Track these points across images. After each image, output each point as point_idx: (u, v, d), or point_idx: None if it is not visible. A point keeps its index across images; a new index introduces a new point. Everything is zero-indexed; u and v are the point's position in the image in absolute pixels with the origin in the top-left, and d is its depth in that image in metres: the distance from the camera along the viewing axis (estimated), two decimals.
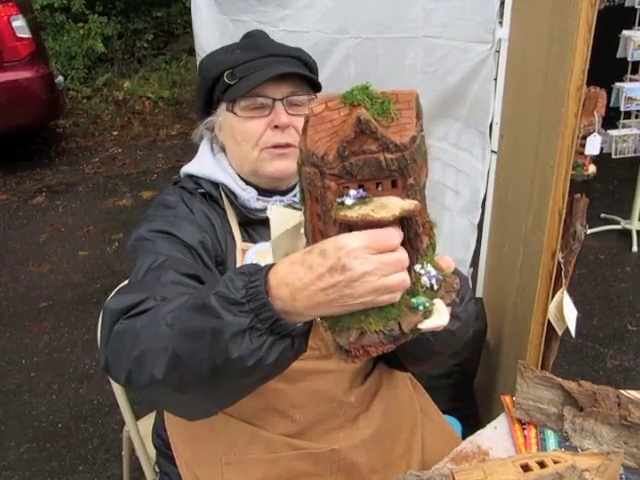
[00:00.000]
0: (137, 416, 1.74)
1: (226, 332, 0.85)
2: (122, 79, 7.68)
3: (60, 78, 5.87)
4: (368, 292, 0.78)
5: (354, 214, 0.75)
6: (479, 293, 2.47)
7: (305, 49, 1.41)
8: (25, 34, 5.15)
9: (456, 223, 2.48)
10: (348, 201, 0.77)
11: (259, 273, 0.86)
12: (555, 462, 1.09)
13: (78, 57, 7.60)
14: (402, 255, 0.78)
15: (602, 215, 4.28)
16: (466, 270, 2.49)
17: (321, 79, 1.38)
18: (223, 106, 1.35)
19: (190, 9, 4.02)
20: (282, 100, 1.30)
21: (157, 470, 1.54)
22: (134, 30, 8.17)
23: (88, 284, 3.84)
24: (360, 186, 0.77)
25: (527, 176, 1.80)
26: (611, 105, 3.68)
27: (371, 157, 0.76)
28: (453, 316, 1.01)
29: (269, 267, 0.86)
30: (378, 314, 0.80)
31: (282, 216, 0.99)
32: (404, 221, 0.79)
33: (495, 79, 2.18)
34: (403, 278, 0.78)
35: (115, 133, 6.52)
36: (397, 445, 1.38)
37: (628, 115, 3.76)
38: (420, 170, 0.80)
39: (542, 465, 1.10)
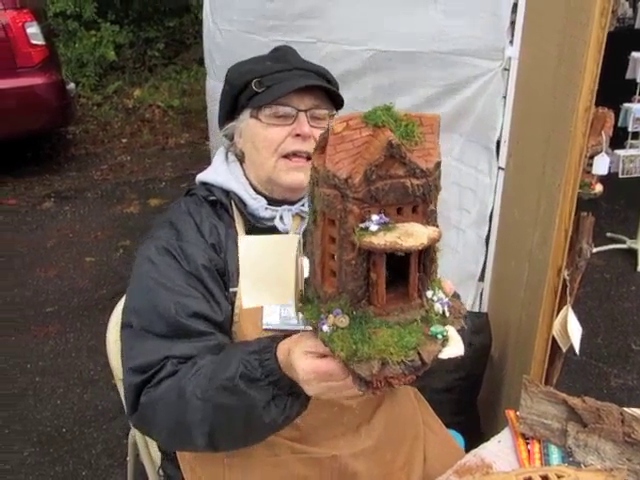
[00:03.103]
0: None
1: (258, 406, 1.04)
2: (132, 87, 7.74)
3: (72, 85, 5.93)
4: (334, 397, 0.96)
5: (381, 241, 0.73)
6: (484, 308, 2.48)
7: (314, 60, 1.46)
8: (39, 41, 5.21)
9: (466, 237, 2.49)
10: (372, 227, 0.75)
11: (267, 351, 1.04)
12: (559, 477, 1.11)
13: (90, 64, 7.66)
14: (349, 381, 0.85)
15: (608, 234, 4.29)
16: (475, 284, 2.50)
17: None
18: (247, 113, 1.38)
19: (201, 20, 4.09)
20: (306, 111, 1.33)
21: (161, 474, 1.56)
22: (146, 39, 8.25)
23: (94, 290, 3.86)
24: (382, 212, 0.76)
25: (534, 193, 1.82)
26: (619, 125, 3.71)
27: (398, 182, 0.75)
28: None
29: (275, 346, 1.04)
30: (398, 343, 0.78)
31: (252, 244, 0.94)
32: (422, 250, 0.78)
33: (504, 97, 2.20)
34: (354, 394, 0.90)
35: (124, 140, 6.57)
36: (398, 457, 1.39)
37: (636, 135, 3.78)
38: (437, 196, 0.80)
39: (545, 479, 1.11)
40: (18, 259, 4.25)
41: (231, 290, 1.27)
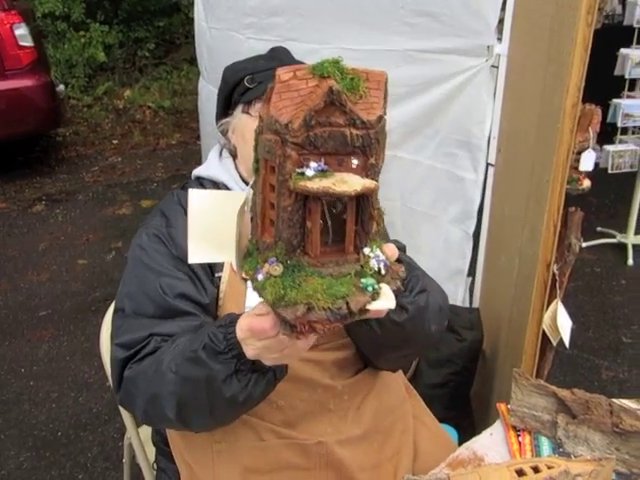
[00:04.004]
0: (138, 423, 1.76)
1: (217, 378, 1.05)
2: (123, 88, 7.72)
3: (61, 87, 5.91)
4: (275, 360, 0.97)
5: (315, 185, 0.74)
6: (476, 303, 2.50)
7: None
8: (27, 42, 5.19)
9: (448, 233, 2.48)
10: (309, 172, 0.75)
11: (232, 325, 1.03)
12: (549, 467, 1.13)
13: (79, 65, 7.65)
14: (283, 336, 0.86)
15: (598, 229, 4.33)
16: (463, 279, 2.51)
17: None
18: (239, 108, 1.42)
19: (192, 19, 4.10)
20: None
21: (155, 468, 1.59)
22: (135, 39, 8.23)
23: (87, 292, 3.86)
24: (321, 160, 0.76)
25: (523, 189, 1.84)
26: (608, 121, 3.74)
27: (337, 130, 0.75)
28: (400, 306, 1.11)
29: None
30: (327, 291, 0.78)
31: (203, 198, 0.93)
32: (360, 201, 0.79)
33: (494, 93, 2.21)
34: (289, 353, 0.94)
35: (115, 142, 6.56)
36: (386, 447, 1.40)
37: (625, 131, 3.81)
38: (380, 152, 0.79)
39: (536, 470, 1.13)
40: (10, 263, 4.24)
41: (216, 275, 1.31)
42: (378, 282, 0.80)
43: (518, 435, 1.39)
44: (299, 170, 0.75)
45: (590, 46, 1.41)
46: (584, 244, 4.15)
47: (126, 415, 1.71)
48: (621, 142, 3.81)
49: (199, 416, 1.14)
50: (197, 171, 1.50)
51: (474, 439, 1.42)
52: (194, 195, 0.91)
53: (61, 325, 3.55)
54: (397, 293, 0.83)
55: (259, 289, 0.81)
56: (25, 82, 5.17)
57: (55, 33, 7.70)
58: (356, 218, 0.79)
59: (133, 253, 1.35)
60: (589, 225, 4.35)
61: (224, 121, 1.46)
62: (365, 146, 0.76)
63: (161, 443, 1.48)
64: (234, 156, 1.48)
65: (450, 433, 1.89)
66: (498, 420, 1.46)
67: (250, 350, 0.98)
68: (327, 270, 0.79)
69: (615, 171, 3.79)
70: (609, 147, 3.75)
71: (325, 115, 0.75)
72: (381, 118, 0.78)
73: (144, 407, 1.18)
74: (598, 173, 3.75)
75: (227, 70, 1.48)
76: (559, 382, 1.61)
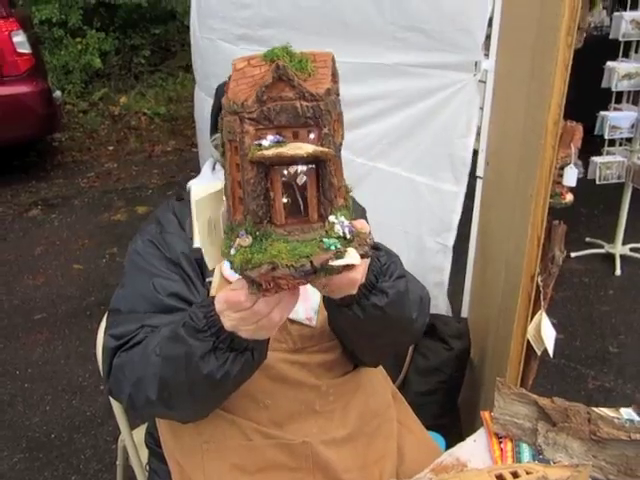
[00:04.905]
0: (132, 425, 1.80)
1: (195, 355, 1.08)
2: (118, 94, 7.77)
3: (58, 93, 5.96)
4: (251, 332, 1.02)
5: (269, 152, 0.80)
6: (464, 313, 2.55)
7: None
8: (25, 49, 5.23)
9: (421, 245, 2.49)
10: (265, 143, 0.81)
11: (212, 305, 1.06)
12: (527, 473, 1.17)
13: (75, 72, 7.69)
14: (257, 308, 0.95)
15: (587, 239, 4.39)
16: (444, 292, 2.53)
17: None
18: None
19: (187, 27, 4.15)
20: None
21: (147, 469, 1.62)
22: (131, 46, 8.28)
23: (82, 297, 3.90)
24: (278, 133, 0.82)
25: (509, 202, 1.89)
26: (596, 133, 3.81)
27: (288, 104, 0.81)
28: (380, 290, 1.16)
29: None
30: (290, 252, 0.83)
31: (203, 189, 1.01)
32: (319, 171, 0.84)
33: (481, 108, 2.27)
34: (264, 324, 0.98)
35: (111, 148, 6.60)
36: (370, 451, 1.43)
37: (612, 143, 3.87)
38: (336, 125, 0.85)
39: (515, 475, 1.17)
40: (5, 267, 4.27)
41: (207, 280, 1.36)
42: (344, 245, 0.85)
43: (500, 442, 1.43)
44: (257, 142, 0.81)
45: (570, 65, 1.47)
46: (573, 254, 4.22)
47: (120, 417, 1.75)
48: (608, 154, 3.86)
49: (179, 395, 1.16)
50: (191, 183, 1.55)
51: (458, 445, 1.46)
52: (196, 188, 1.03)
53: (56, 329, 3.58)
54: (365, 257, 0.88)
55: (231, 262, 0.86)
56: (23, 88, 5.21)
57: (52, 39, 7.74)
58: (317, 187, 0.85)
59: (129, 258, 1.40)
60: (578, 236, 4.42)
61: (216, 136, 1.49)
62: (317, 117, 0.82)
63: (153, 444, 1.51)
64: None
65: (437, 440, 1.93)
66: (482, 427, 1.50)
67: (227, 321, 1.02)
68: (293, 237, 0.85)
69: (603, 182, 3.85)
70: (596, 159, 3.81)
71: (276, 91, 0.81)
72: (329, 91, 0.83)
73: (129, 391, 1.20)
74: (587, 184, 3.83)
75: (220, 88, 1.51)
76: (546, 391, 1.64)
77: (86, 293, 3.93)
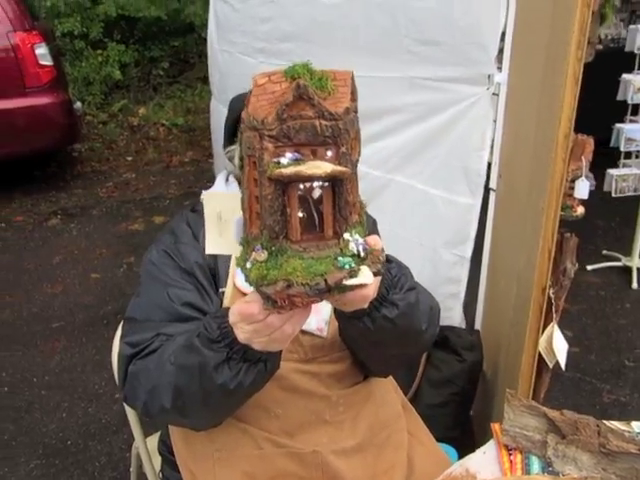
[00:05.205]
0: (145, 433, 1.82)
1: (209, 365, 1.10)
2: (137, 105, 7.86)
3: (78, 104, 6.05)
4: (264, 344, 1.03)
5: (288, 171, 0.81)
6: (477, 326, 2.55)
7: None
8: (47, 61, 5.32)
9: (437, 257, 2.50)
10: (284, 161, 0.82)
11: (227, 316, 1.07)
12: None
13: (96, 83, 7.80)
14: (270, 321, 0.96)
15: (603, 252, 4.36)
16: (459, 304, 2.54)
17: None
18: None
19: (205, 39, 4.21)
20: None
21: (161, 477, 1.64)
22: (151, 58, 8.39)
23: (99, 306, 3.94)
24: (296, 151, 0.83)
25: (521, 215, 1.90)
26: (611, 145, 3.80)
27: (307, 122, 0.83)
28: (391, 302, 1.17)
29: None
30: (305, 269, 0.84)
31: (217, 198, 1.05)
32: (335, 189, 0.85)
33: (494, 120, 2.28)
34: (277, 337, 0.99)
35: (129, 158, 6.67)
36: (380, 461, 1.44)
37: (628, 155, 3.86)
38: (353, 143, 0.86)
39: None
40: (25, 275, 4.33)
41: (220, 290, 1.38)
42: (358, 264, 0.87)
43: (510, 454, 1.43)
44: (275, 160, 0.83)
45: (580, 79, 1.48)
46: (589, 267, 4.20)
47: (134, 425, 1.77)
48: (624, 166, 3.85)
49: (193, 404, 1.17)
50: (205, 193, 1.58)
51: (468, 457, 1.47)
52: (208, 196, 1.06)
53: (73, 337, 3.62)
54: (378, 275, 0.90)
55: (247, 275, 0.88)
56: (44, 100, 5.29)
57: (73, 52, 7.87)
58: (333, 204, 0.86)
59: (144, 268, 1.43)
60: (595, 248, 4.39)
61: (230, 148, 1.52)
62: (335, 136, 0.84)
63: (166, 452, 1.54)
64: (240, 181, 1.55)
65: (450, 453, 1.93)
66: (492, 439, 1.51)
67: (240, 333, 1.04)
68: (308, 253, 0.86)
69: (619, 195, 3.83)
70: (612, 171, 3.80)
71: (296, 109, 0.83)
72: (348, 110, 0.85)
73: (144, 399, 1.22)
74: (604, 197, 3.81)
75: (233, 100, 1.54)
76: (560, 405, 1.61)
77: (103, 302, 3.98)
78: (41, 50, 5.26)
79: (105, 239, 4.88)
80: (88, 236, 4.95)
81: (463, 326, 2.59)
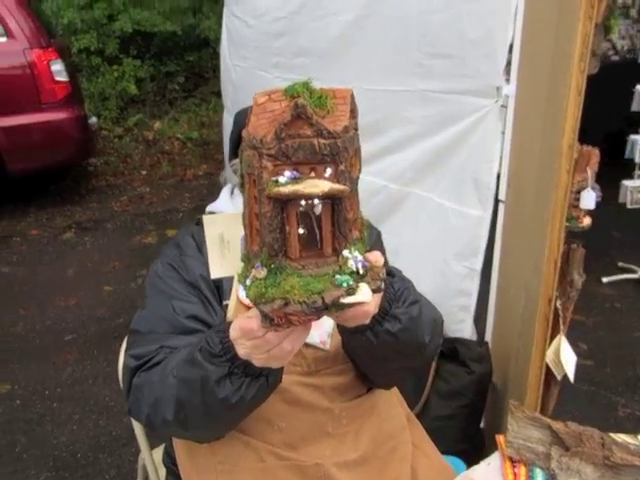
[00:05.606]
0: (152, 445, 1.83)
1: (211, 379, 1.10)
2: (153, 120, 7.94)
3: (94, 119, 6.12)
4: (263, 361, 1.03)
5: (286, 190, 0.82)
6: (487, 337, 2.53)
7: None
8: (63, 77, 5.39)
9: (449, 269, 2.50)
10: (282, 179, 0.83)
11: (228, 330, 1.08)
12: None
13: (111, 98, 7.89)
14: (269, 337, 0.96)
15: (619, 264, 4.32)
16: (470, 316, 2.52)
17: None
18: None
19: (219, 54, 4.25)
20: None
21: None
22: (166, 73, 8.48)
23: (111, 318, 3.96)
24: (295, 170, 0.84)
25: (528, 225, 1.89)
26: (626, 157, 3.76)
27: (306, 141, 0.83)
28: (393, 316, 1.17)
29: None
30: (303, 288, 0.85)
31: (216, 221, 1.04)
32: (334, 206, 0.86)
33: (503, 132, 2.28)
34: (276, 354, 0.99)
35: (144, 172, 6.73)
36: (384, 473, 1.43)
37: None
38: (353, 161, 0.87)
39: None
40: (39, 288, 4.37)
41: (224, 303, 1.39)
42: (357, 281, 0.87)
43: (514, 466, 1.42)
44: (274, 178, 0.84)
45: (584, 91, 1.47)
46: (605, 279, 4.15)
47: (140, 436, 1.77)
48: (639, 177, 3.81)
49: (195, 417, 1.18)
50: (209, 207, 1.60)
51: (472, 468, 1.46)
52: (208, 220, 1.04)
53: (85, 350, 3.64)
54: (377, 292, 0.90)
55: (246, 292, 0.89)
56: (59, 115, 5.36)
57: (90, 67, 7.98)
58: (332, 222, 0.86)
59: (150, 280, 1.44)
60: (610, 260, 4.35)
61: (235, 161, 1.53)
62: (334, 154, 0.84)
63: (170, 464, 1.54)
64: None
65: (458, 465, 1.91)
66: (497, 451, 1.49)
67: (241, 349, 1.04)
68: (307, 271, 0.87)
69: (634, 206, 3.79)
70: (628, 182, 3.76)
71: (294, 128, 0.83)
72: (347, 128, 0.85)
73: (147, 411, 1.23)
74: (619, 208, 3.78)
75: (238, 114, 1.56)
76: (574, 418, 1.59)
77: (115, 315, 4.00)
78: (57, 66, 5.34)
79: (119, 252, 4.92)
80: (102, 249, 4.99)
81: (474, 338, 2.57)
